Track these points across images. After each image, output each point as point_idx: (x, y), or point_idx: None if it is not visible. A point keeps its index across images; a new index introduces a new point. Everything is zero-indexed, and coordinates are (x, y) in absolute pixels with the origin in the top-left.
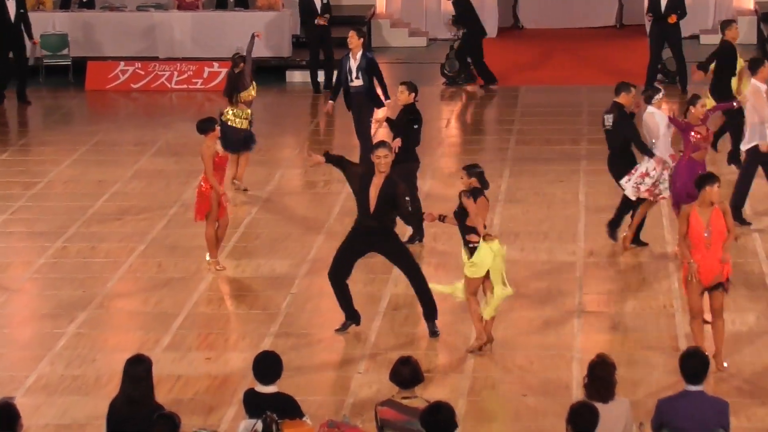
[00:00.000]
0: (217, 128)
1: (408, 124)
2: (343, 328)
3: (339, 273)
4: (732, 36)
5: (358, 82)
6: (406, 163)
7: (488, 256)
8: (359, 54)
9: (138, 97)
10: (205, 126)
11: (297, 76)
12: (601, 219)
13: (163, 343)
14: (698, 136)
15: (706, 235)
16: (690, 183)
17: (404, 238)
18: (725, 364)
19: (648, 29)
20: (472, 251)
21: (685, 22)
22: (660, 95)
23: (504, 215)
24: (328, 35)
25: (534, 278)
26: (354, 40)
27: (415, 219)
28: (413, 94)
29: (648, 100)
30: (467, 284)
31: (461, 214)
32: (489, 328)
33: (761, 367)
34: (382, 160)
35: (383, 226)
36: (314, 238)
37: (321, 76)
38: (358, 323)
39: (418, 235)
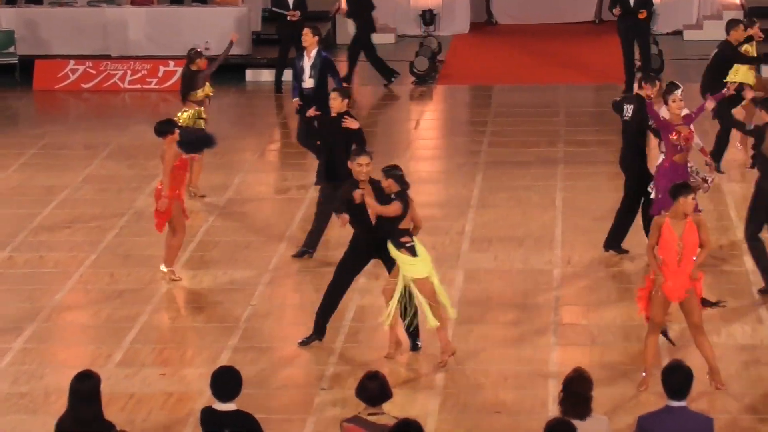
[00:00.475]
0: (177, 131)
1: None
2: (306, 342)
3: (338, 290)
4: (735, 38)
5: (310, 82)
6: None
7: (425, 252)
8: (314, 52)
9: (89, 98)
10: (163, 128)
11: (257, 75)
12: (579, 225)
13: (115, 358)
14: (678, 136)
15: (678, 248)
16: None
17: None
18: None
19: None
20: (411, 251)
21: (668, 17)
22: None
23: (477, 221)
24: (300, 32)
25: (508, 288)
26: (308, 37)
27: None
28: (346, 101)
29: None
30: (423, 292)
31: (390, 219)
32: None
33: (749, 382)
34: (364, 168)
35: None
36: (275, 246)
37: (286, 75)
38: (321, 340)
39: None
